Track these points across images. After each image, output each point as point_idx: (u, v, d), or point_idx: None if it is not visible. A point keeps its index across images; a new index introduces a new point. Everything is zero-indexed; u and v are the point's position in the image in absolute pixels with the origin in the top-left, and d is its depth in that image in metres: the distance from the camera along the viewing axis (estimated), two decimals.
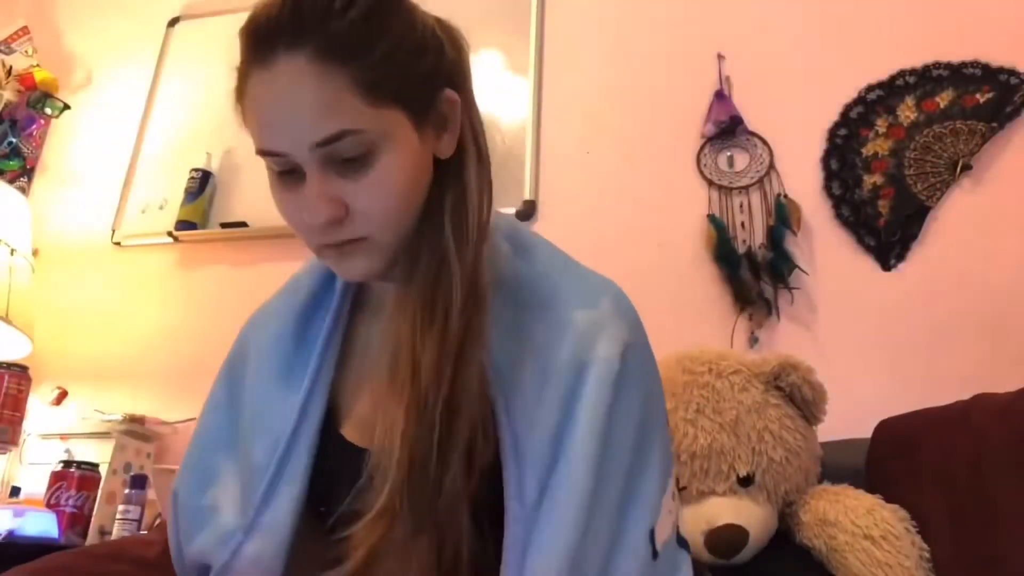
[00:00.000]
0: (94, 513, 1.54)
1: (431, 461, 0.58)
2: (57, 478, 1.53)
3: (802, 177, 1.68)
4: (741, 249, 1.64)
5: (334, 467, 0.67)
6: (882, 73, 1.70)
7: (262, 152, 0.63)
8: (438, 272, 0.63)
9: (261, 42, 0.61)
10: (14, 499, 1.69)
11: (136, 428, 1.73)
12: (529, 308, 0.67)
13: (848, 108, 1.70)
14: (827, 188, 1.67)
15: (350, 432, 0.69)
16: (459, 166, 0.68)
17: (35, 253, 2.01)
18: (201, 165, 2.04)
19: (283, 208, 0.65)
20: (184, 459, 0.75)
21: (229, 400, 0.75)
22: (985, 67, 1.64)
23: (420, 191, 0.66)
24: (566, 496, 0.59)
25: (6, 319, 1.79)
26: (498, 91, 1.92)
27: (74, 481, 1.52)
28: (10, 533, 1.35)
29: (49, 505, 1.50)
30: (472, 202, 0.66)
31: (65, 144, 2.30)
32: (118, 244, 2.09)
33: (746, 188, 1.70)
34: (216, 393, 0.77)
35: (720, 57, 1.80)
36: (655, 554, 0.63)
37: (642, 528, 0.62)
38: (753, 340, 1.58)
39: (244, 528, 0.66)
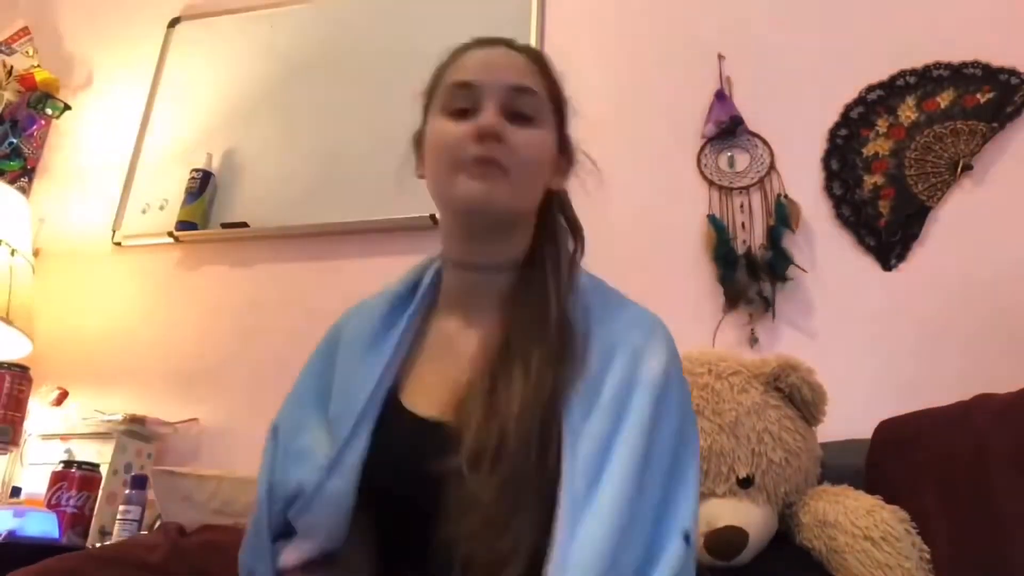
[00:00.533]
0: (95, 513, 1.54)
1: (533, 446, 0.71)
2: (58, 478, 1.53)
3: (803, 177, 1.68)
4: (741, 249, 1.64)
5: (395, 431, 0.79)
6: (883, 73, 1.70)
7: (459, 83, 0.83)
8: (543, 305, 0.80)
9: (485, 40, 0.87)
10: (15, 499, 1.69)
11: (136, 428, 1.73)
12: (596, 322, 0.80)
13: (849, 108, 1.70)
14: (828, 188, 1.67)
15: (416, 404, 0.81)
16: (554, 225, 0.90)
17: (36, 253, 2.02)
18: (202, 165, 2.04)
19: (445, 133, 0.81)
20: (282, 407, 0.88)
21: (323, 368, 0.88)
22: (985, 67, 1.64)
23: (542, 182, 0.86)
24: (611, 490, 0.68)
25: (7, 319, 1.79)
26: None
27: (75, 481, 1.53)
28: (11, 533, 1.35)
29: (50, 505, 1.50)
30: (564, 264, 0.85)
31: (66, 144, 2.30)
32: (119, 244, 2.09)
33: (747, 188, 1.70)
34: (313, 360, 0.91)
35: (720, 57, 1.80)
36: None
37: (678, 529, 0.70)
38: (753, 340, 1.58)
39: (327, 467, 0.77)
